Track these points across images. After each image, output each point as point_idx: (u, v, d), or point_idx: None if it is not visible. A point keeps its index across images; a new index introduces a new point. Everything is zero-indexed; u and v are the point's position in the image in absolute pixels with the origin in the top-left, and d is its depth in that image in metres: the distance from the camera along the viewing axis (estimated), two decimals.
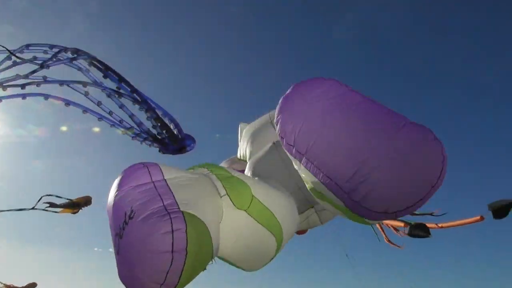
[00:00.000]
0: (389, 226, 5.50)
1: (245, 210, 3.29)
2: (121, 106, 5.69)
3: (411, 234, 4.72)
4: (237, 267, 3.57)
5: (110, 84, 5.65)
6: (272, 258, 3.62)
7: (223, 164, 5.65)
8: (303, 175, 3.19)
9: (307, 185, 3.34)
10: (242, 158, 5.59)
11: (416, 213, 4.75)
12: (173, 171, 3.31)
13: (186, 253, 2.36)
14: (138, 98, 5.73)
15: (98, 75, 5.58)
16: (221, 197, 3.24)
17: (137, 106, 5.81)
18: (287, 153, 3.08)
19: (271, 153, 4.65)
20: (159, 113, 6.05)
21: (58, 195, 4.67)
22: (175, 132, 6.40)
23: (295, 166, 3.23)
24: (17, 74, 4.97)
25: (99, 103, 5.57)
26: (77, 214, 4.86)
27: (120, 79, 5.64)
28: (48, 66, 5.11)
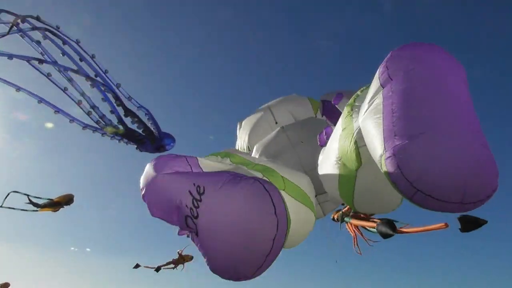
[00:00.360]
0: (358, 230, 5.70)
1: (283, 190, 3.21)
2: (89, 103, 5.44)
3: (377, 231, 4.90)
4: None
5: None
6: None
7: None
8: (362, 114, 3.06)
9: (353, 133, 3.24)
10: (240, 149, 5.73)
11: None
12: (208, 164, 3.29)
13: (287, 215, 2.32)
14: (117, 92, 5.56)
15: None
16: None
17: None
18: (379, 77, 2.91)
19: (280, 136, 4.88)
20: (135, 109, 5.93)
21: (26, 193, 4.50)
22: (153, 130, 6.35)
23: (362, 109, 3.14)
24: None
25: (79, 102, 5.37)
26: (45, 212, 4.73)
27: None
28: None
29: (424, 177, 2.25)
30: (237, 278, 2.30)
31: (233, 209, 2.26)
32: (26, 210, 4.41)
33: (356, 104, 3.45)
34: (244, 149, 5.63)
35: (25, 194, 4.45)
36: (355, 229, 5.70)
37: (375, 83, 2.95)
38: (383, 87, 2.81)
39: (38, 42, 5.08)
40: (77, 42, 5.32)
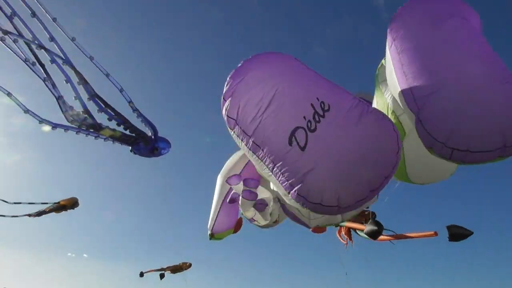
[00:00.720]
0: (349, 235, 5.75)
1: None
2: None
3: (365, 232, 4.93)
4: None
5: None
6: None
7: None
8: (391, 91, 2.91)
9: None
10: None
11: None
12: None
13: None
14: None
15: None
16: None
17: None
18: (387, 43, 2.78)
19: None
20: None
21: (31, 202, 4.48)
22: (148, 133, 6.34)
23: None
24: None
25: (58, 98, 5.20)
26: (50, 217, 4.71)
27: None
28: None
29: (454, 134, 2.11)
30: (342, 203, 2.17)
31: (358, 135, 2.21)
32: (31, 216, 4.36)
33: (379, 73, 3.31)
34: None
35: (30, 203, 4.40)
36: (346, 235, 5.78)
37: (387, 49, 2.81)
38: (390, 49, 2.69)
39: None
40: (73, 40, 5.26)
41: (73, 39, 5.06)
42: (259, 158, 2.45)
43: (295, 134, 2.24)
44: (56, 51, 4.91)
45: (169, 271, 9.16)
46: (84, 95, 5.34)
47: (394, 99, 2.79)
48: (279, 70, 2.60)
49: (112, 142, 5.87)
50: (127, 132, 6.02)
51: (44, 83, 4.98)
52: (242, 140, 2.59)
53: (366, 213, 5.02)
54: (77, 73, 5.10)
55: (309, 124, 2.22)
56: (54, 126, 5.21)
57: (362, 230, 5.12)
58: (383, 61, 3.23)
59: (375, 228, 3.95)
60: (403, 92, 2.37)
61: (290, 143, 2.23)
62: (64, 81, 5.05)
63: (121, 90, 5.55)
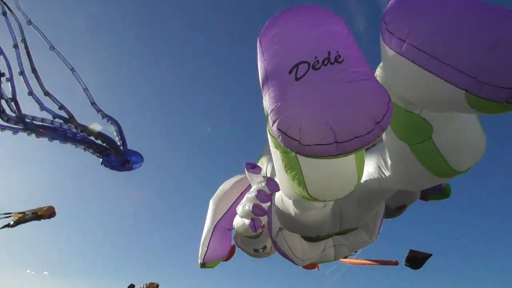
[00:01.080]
0: None
1: None
2: None
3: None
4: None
5: None
6: None
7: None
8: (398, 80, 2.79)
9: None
10: None
11: None
12: None
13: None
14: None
15: None
16: None
17: None
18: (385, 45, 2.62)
19: None
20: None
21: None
22: (117, 143, 5.83)
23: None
24: None
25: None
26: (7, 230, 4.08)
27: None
28: None
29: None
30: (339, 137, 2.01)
31: (358, 85, 2.12)
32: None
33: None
34: None
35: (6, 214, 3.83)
36: None
37: (385, 51, 2.73)
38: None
39: None
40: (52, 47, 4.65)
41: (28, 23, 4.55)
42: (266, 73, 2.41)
43: (299, 66, 2.21)
44: None
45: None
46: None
47: (405, 100, 2.78)
48: (324, 18, 2.61)
49: (83, 149, 5.30)
50: (99, 141, 5.54)
51: None
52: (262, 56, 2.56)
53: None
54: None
55: (315, 63, 2.19)
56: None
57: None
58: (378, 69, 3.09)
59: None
60: (442, 74, 2.23)
61: (290, 72, 2.21)
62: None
63: (85, 89, 5.07)
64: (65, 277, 28.04)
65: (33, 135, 4.73)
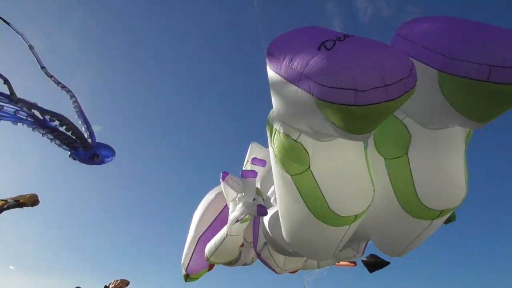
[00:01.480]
0: None
1: None
2: None
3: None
4: None
5: None
6: None
7: None
8: None
9: None
10: None
11: None
12: None
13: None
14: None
15: None
16: None
17: None
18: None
19: None
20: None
21: None
22: (84, 135, 5.25)
23: None
24: None
25: None
26: None
27: None
28: None
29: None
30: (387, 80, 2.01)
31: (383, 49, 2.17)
32: None
33: None
34: None
35: None
36: None
37: None
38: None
39: None
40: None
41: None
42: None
43: (325, 43, 2.32)
44: None
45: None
46: None
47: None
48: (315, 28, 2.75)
49: (50, 140, 4.70)
50: (63, 129, 4.94)
51: None
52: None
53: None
54: None
55: (338, 38, 2.30)
56: None
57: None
58: None
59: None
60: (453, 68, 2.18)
61: (319, 48, 2.31)
62: None
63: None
64: (32, 272, 26.47)
65: None
